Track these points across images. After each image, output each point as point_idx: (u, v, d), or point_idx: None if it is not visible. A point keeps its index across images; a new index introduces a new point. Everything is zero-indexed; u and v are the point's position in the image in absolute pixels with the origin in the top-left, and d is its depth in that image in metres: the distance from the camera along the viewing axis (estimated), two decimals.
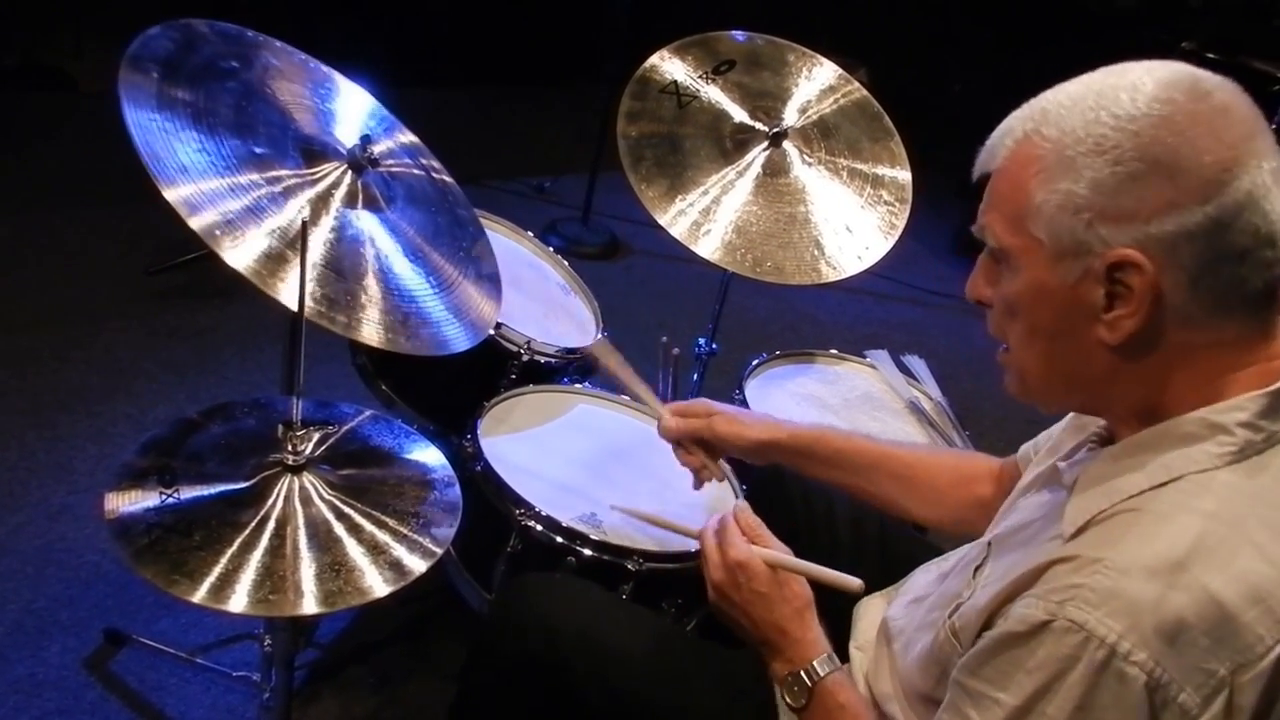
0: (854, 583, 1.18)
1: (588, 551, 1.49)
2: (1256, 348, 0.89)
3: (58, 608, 1.97)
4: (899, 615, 1.24)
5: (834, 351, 2.20)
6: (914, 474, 1.42)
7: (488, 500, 1.55)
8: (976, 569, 1.08)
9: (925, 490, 1.42)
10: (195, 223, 1.26)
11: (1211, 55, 4.15)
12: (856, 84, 2.10)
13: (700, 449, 1.49)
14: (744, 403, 1.92)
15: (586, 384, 1.93)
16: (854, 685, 1.18)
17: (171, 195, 1.26)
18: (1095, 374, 0.92)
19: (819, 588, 1.22)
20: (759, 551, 1.23)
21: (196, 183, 1.29)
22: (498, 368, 1.83)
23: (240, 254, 1.28)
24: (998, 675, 0.86)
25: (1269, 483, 0.86)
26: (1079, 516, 0.91)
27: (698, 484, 1.53)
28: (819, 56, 2.12)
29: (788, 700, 1.17)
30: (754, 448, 1.45)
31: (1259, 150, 0.84)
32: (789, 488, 1.58)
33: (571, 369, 1.95)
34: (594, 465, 1.73)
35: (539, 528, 1.50)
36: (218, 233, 1.28)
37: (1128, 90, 0.86)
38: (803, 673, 1.16)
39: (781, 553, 1.24)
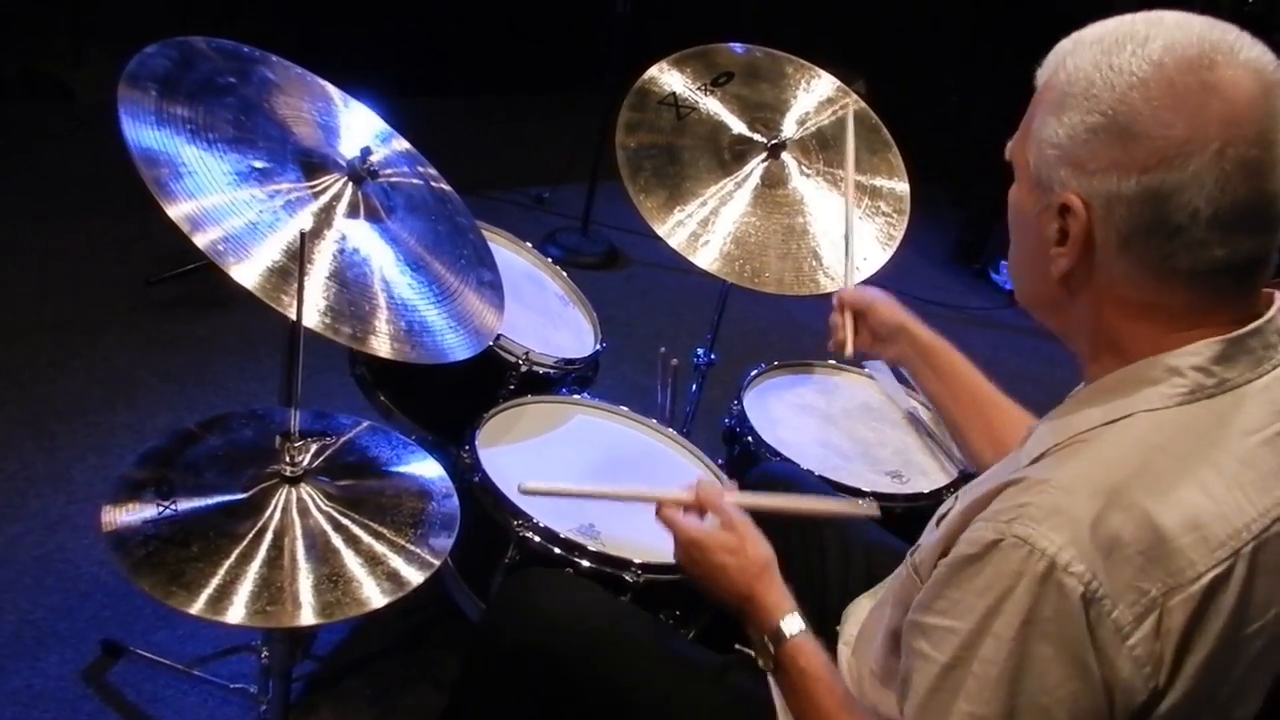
0: (866, 507, 1.25)
1: (586, 563, 1.49)
2: (1209, 316, 0.90)
3: (55, 618, 1.96)
4: (884, 593, 1.26)
5: (832, 362, 2.20)
6: (998, 424, 1.47)
7: (486, 511, 1.55)
8: (941, 518, 1.10)
9: (1000, 442, 1.44)
10: (200, 239, 1.26)
11: None
12: (854, 95, 2.11)
13: (853, 319, 1.61)
14: (742, 413, 1.93)
15: (585, 395, 1.93)
16: (817, 648, 1.18)
17: (175, 213, 1.26)
18: (1050, 299, 0.97)
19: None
20: (741, 499, 1.28)
21: (198, 199, 1.30)
22: (496, 378, 1.84)
23: (245, 269, 1.29)
24: (949, 604, 0.88)
25: (1215, 424, 0.89)
26: (1036, 448, 0.95)
27: (834, 346, 1.63)
28: (817, 69, 2.13)
29: (760, 663, 1.20)
30: (895, 326, 1.57)
31: (1232, 135, 0.83)
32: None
33: (570, 380, 1.95)
34: (592, 476, 1.73)
35: (537, 538, 1.50)
36: (221, 249, 1.28)
37: (1135, 44, 0.87)
38: (766, 637, 1.19)
39: (754, 497, 1.29)
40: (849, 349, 1.60)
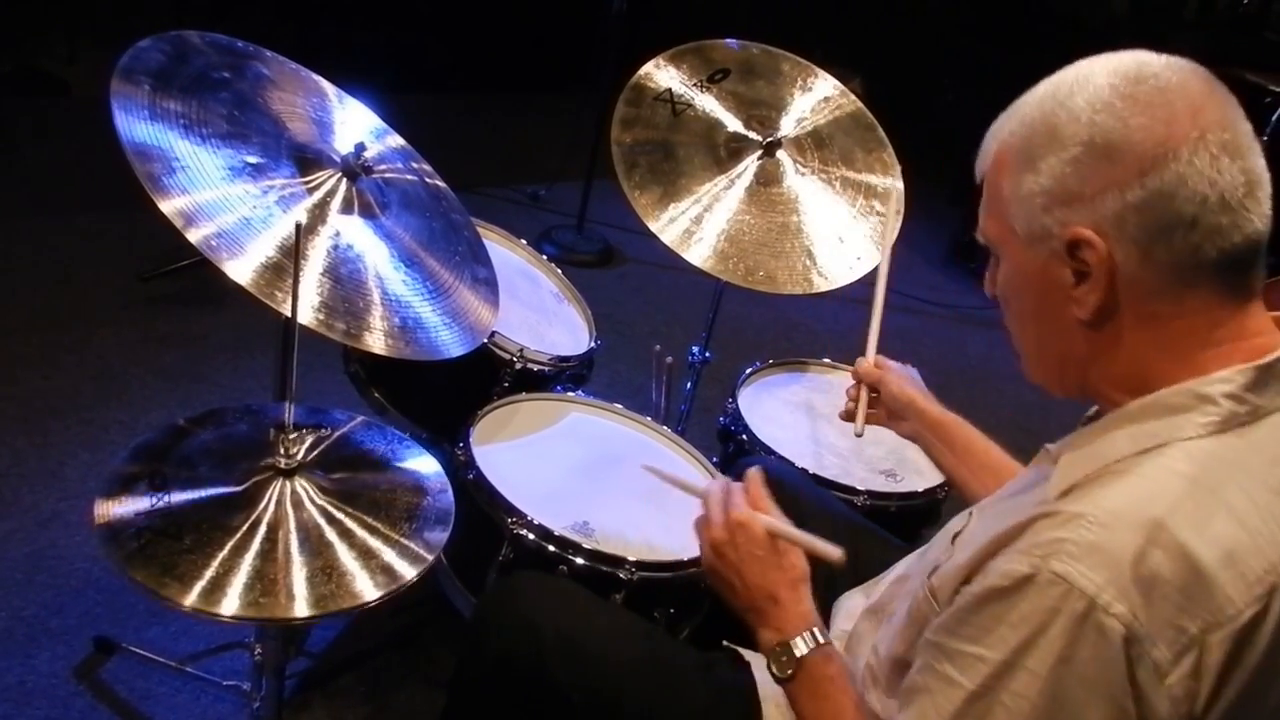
0: (835, 551, 1.20)
1: (580, 560, 1.49)
2: (1230, 319, 0.91)
3: (47, 615, 1.96)
4: (884, 595, 1.25)
5: (827, 360, 2.20)
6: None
7: (480, 508, 1.55)
8: (956, 535, 1.10)
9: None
10: (193, 235, 1.26)
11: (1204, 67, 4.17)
12: (850, 95, 2.11)
13: (868, 392, 1.59)
14: (737, 411, 1.93)
15: (579, 392, 1.93)
16: (842, 658, 1.19)
17: (168, 208, 1.26)
18: (1078, 352, 0.96)
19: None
20: (761, 517, 1.25)
21: (192, 195, 1.29)
22: (491, 376, 1.83)
23: (239, 265, 1.28)
24: (978, 632, 0.87)
25: (1250, 453, 0.89)
26: (1065, 479, 0.94)
27: (843, 417, 1.62)
28: (813, 67, 2.13)
29: (774, 670, 1.18)
30: (905, 402, 1.54)
31: (1204, 123, 0.87)
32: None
33: (565, 377, 1.95)
34: (586, 473, 1.73)
35: (531, 536, 1.50)
36: (215, 244, 1.28)
37: (1079, 83, 0.92)
38: (791, 644, 1.17)
39: (782, 524, 1.25)
40: (859, 424, 1.58)
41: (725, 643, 1.34)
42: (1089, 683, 0.82)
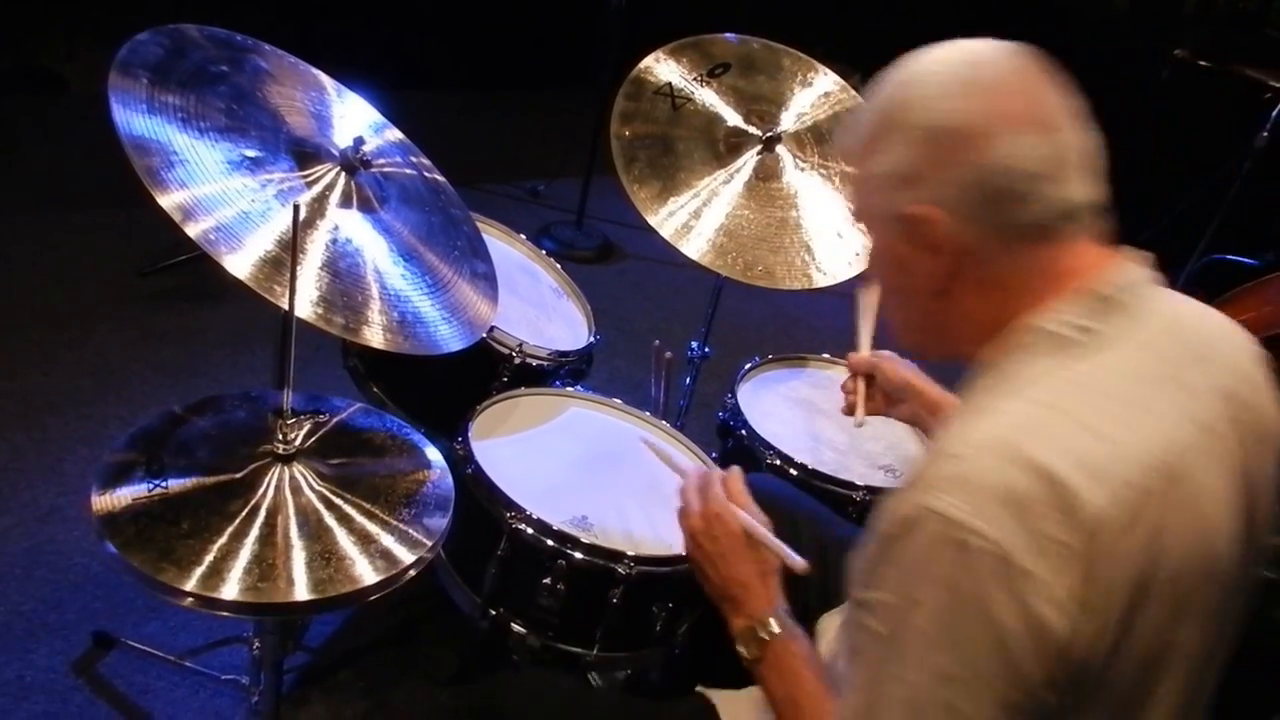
0: (799, 562, 1.24)
1: (578, 555, 1.49)
2: (1066, 261, 0.98)
3: (46, 610, 1.96)
4: None
5: (826, 356, 2.20)
6: None
7: (479, 503, 1.55)
8: None
9: None
10: (192, 229, 1.26)
11: (1204, 63, 4.16)
12: (851, 90, 2.11)
13: (865, 383, 1.62)
14: (736, 407, 1.93)
15: (578, 387, 1.93)
16: (808, 640, 1.22)
17: (166, 202, 1.25)
18: (936, 319, 1.05)
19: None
20: (738, 513, 1.30)
21: (191, 189, 1.29)
22: (490, 370, 1.83)
23: (238, 260, 1.28)
24: (878, 579, 0.91)
25: (1099, 374, 0.94)
26: (945, 430, 0.99)
27: (845, 411, 1.64)
28: (814, 62, 2.12)
29: (743, 653, 1.22)
30: (902, 384, 1.58)
31: (1027, 104, 0.96)
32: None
33: (564, 372, 1.95)
34: (585, 468, 1.73)
35: (530, 530, 1.50)
36: (213, 239, 1.28)
37: (917, 73, 1.01)
38: (758, 625, 1.21)
39: (757, 523, 1.29)
40: (860, 414, 1.61)
41: (698, 688, 1.36)
42: (977, 606, 0.84)
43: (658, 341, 1.72)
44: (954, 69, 0.99)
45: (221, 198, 1.32)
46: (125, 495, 1.23)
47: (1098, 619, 0.86)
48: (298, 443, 1.36)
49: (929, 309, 1.04)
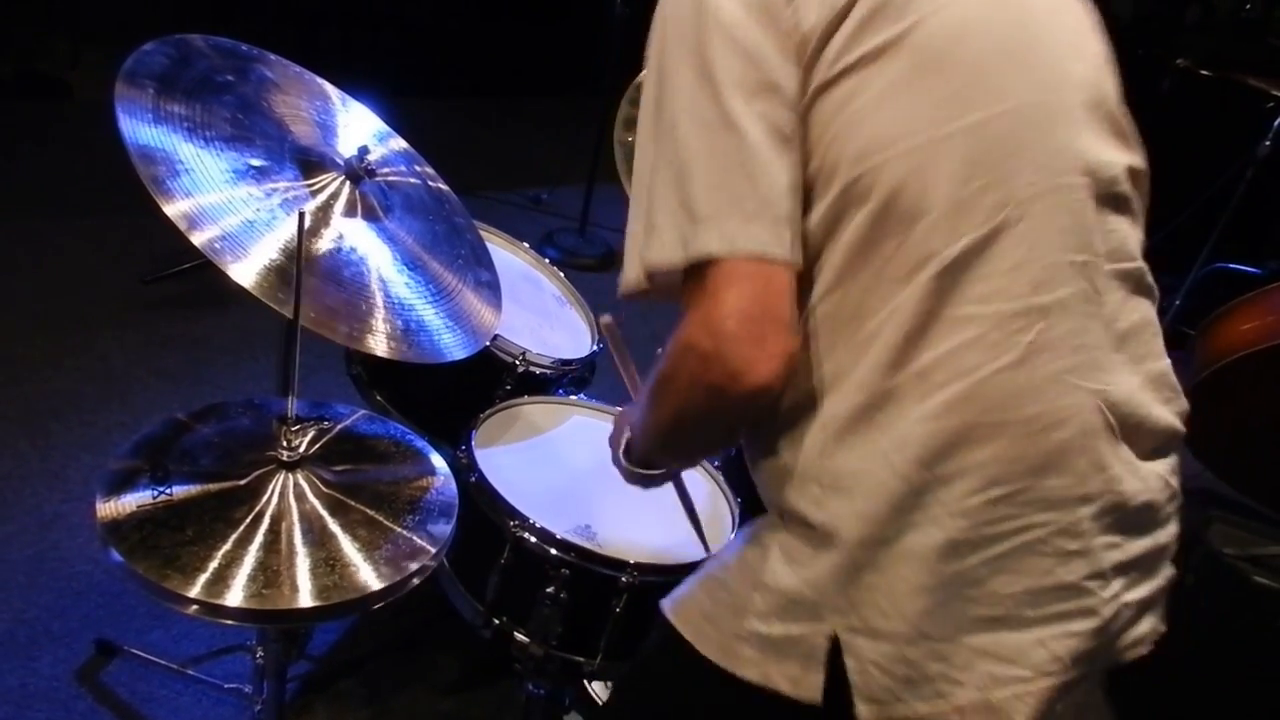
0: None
1: (581, 564, 1.49)
2: None
3: (49, 618, 1.96)
4: None
5: None
6: None
7: (482, 511, 1.55)
8: None
9: None
10: (196, 238, 1.26)
11: (1206, 72, 4.17)
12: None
13: None
14: None
15: (582, 395, 1.93)
16: None
17: (172, 211, 1.26)
18: None
19: None
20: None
21: (195, 197, 1.30)
22: (493, 379, 1.83)
23: (242, 268, 1.29)
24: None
25: None
26: None
27: None
28: None
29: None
30: None
31: None
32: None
33: (567, 380, 1.95)
34: (588, 477, 1.73)
35: (532, 539, 1.50)
36: (218, 247, 1.28)
37: None
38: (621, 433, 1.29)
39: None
40: None
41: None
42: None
43: (660, 350, 1.71)
44: None
45: (226, 206, 1.32)
46: (129, 502, 1.24)
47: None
48: (302, 449, 1.37)
49: None
